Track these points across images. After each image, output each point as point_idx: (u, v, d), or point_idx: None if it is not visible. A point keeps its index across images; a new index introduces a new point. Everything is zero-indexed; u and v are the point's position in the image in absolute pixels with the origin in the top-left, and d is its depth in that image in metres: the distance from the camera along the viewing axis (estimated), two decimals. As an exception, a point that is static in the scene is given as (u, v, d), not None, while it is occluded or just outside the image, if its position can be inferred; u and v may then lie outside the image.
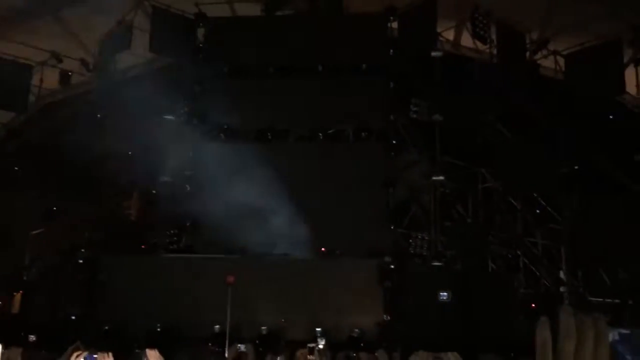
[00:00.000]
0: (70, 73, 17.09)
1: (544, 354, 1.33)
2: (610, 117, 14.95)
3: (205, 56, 17.26)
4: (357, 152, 15.81)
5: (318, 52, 16.18)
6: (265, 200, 14.37)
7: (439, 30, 16.49)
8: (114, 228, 16.57)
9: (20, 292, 15.13)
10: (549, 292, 16.16)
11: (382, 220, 15.16)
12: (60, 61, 16.92)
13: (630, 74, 14.75)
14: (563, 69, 15.79)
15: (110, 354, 4.26)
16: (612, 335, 10.94)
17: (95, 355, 4.16)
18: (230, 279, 11.05)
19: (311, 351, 4.31)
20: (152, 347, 4.35)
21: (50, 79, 16.98)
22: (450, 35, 17.75)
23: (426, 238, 15.45)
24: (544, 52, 16.23)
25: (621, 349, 11.00)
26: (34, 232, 15.90)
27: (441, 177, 16.08)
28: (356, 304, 12.84)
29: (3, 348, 4.32)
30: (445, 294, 12.66)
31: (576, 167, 15.24)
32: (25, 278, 15.28)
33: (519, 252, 16.71)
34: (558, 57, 16.00)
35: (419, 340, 11.39)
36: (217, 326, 11.55)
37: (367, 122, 15.94)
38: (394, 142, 15.96)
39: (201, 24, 17.32)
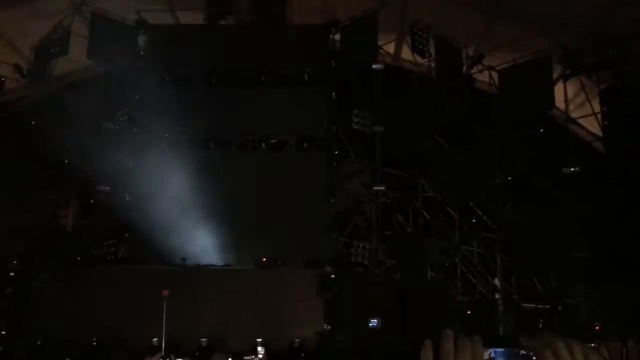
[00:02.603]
0: (3, 79, 16.47)
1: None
2: (541, 130, 15.61)
3: (146, 63, 17.02)
4: (299, 162, 15.95)
5: (260, 62, 16.23)
6: (206, 209, 14.28)
7: (380, 43, 16.82)
8: (48, 238, 16.06)
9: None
10: (484, 299, 16.68)
11: (324, 230, 15.32)
12: (-7, 66, 16.32)
13: (559, 89, 15.47)
14: (497, 83, 16.39)
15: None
16: (488, 353, 11.71)
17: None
18: (165, 292, 10.96)
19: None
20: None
21: (-18, 84, 16.33)
22: (390, 48, 18.13)
23: (367, 247, 15.68)
24: (480, 66, 16.80)
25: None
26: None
27: (382, 187, 16.40)
28: (297, 314, 12.91)
29: None
30: (375, 320, 12.72)
31: (509, 178, 15.83)
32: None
33: (456, 260, 17.19)
34: (492, 72, 16.60)
35: (358, 349, 11.58)
36: (155, 339, 11.39)
37: (309, 132, 16.12)
38: (335, 152, 16.19)
39: (142, 31, 17.08)
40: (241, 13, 17.21)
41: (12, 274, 13.37)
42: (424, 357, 1.05)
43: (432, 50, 16.84)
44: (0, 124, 16.44)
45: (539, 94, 15.15)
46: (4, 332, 12.31)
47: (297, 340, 12.41)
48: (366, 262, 15.61)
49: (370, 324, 12.72)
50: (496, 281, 16.52)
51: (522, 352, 10.64)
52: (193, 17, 17.31)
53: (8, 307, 13.09)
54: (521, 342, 1.07)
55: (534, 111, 15.59)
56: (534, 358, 1.04)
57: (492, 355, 11.59)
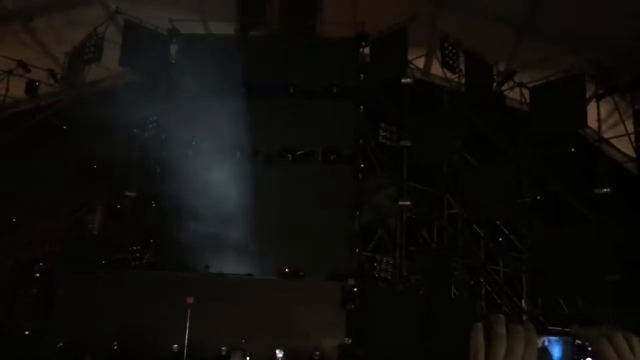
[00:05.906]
0: (37, 83, 16.80)
1: (477, 358, 1.38)
2: (572, 149, 15.33)
3: (177, 72, 17.22)
4: (325, 173, 15.89)
5: (290, 74, 16.30)
6: (230, 219, 14.30)
7: (409, 57, 16.77)
8: (75, 242, 16.24)
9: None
10: (509, 319, 16.31)
11: (348, 243, 15.22)
12: (28, 71, 16.64)
13: (592, 108, 15.18)
14: (528, 100, 16.17)
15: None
16: (542, 341, 11.41)
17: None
18: (189, 299, 10.95)
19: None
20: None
21: (17, 88, 16.66)
22: (420, 63, 18.05)
23: (391, 262, 15.52)
24: (510, 83, 16.61)
25: (550, 351, 11.55)
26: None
27: (408, 202, 16.25)
28: (318, 326, 12.78)
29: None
30: None
31: (538, 197, 15.54)
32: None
33: (481, 279, 16.89)
34: (523, 89, 16.39)
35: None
36: (176, 346, 11.37)
37: (336, 145, 16.08)
38: (362, 165, 16.12)
39: (174, 40, 17.30)
40: (272, 25, 17.33)
41: (37, 275, 13.49)
42: (474, 340, 0.99)
43: (462, 66, 16.72)
44: (33, 128, 16.74)
45: (570, 113, 14.87)
46: (27, 333, 12.40)
47: (317, 352, 12.27)
48: (389, 277, 15.44)
49: None
50: (522, 302, 16.17)
51: (577, 341, 10.37)
52: (225, 28, 17.50)
53: (33, 308, 13.22)
54: (575, 331, 0.99)
55: (565, 130, 15.30)
56: (589, 348, 0.96)
57: (547, 343, 11.29)
